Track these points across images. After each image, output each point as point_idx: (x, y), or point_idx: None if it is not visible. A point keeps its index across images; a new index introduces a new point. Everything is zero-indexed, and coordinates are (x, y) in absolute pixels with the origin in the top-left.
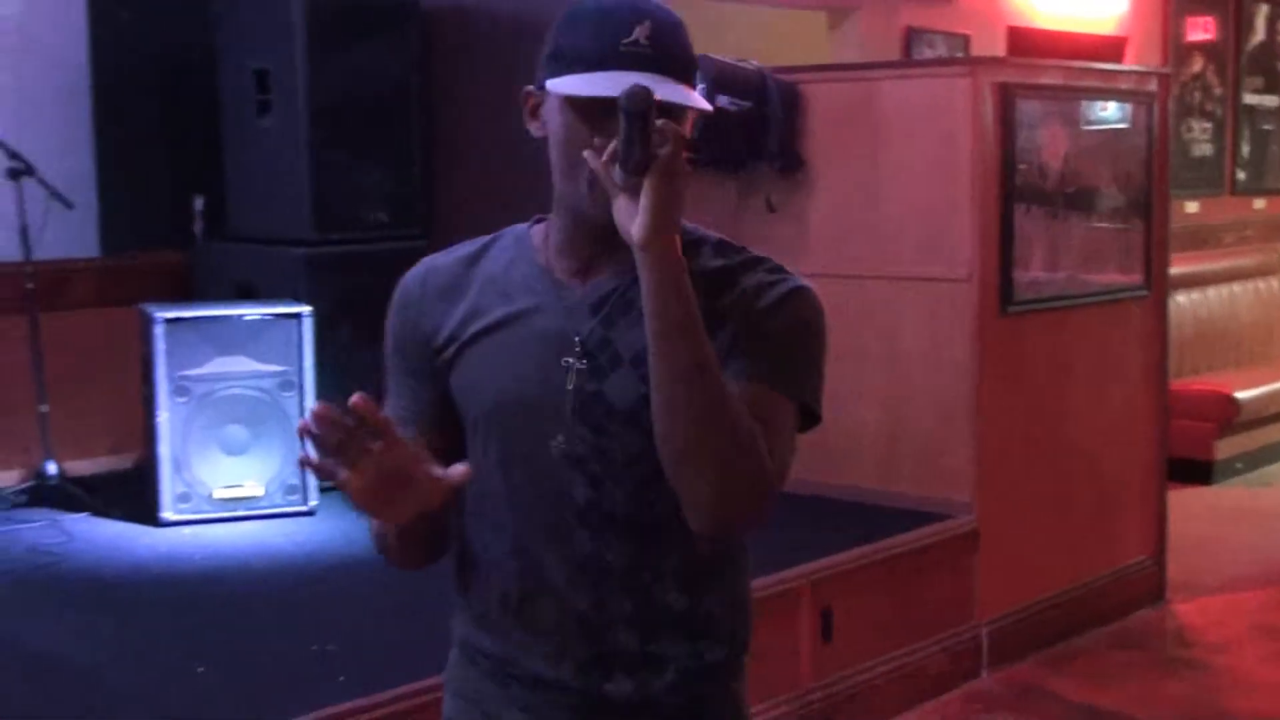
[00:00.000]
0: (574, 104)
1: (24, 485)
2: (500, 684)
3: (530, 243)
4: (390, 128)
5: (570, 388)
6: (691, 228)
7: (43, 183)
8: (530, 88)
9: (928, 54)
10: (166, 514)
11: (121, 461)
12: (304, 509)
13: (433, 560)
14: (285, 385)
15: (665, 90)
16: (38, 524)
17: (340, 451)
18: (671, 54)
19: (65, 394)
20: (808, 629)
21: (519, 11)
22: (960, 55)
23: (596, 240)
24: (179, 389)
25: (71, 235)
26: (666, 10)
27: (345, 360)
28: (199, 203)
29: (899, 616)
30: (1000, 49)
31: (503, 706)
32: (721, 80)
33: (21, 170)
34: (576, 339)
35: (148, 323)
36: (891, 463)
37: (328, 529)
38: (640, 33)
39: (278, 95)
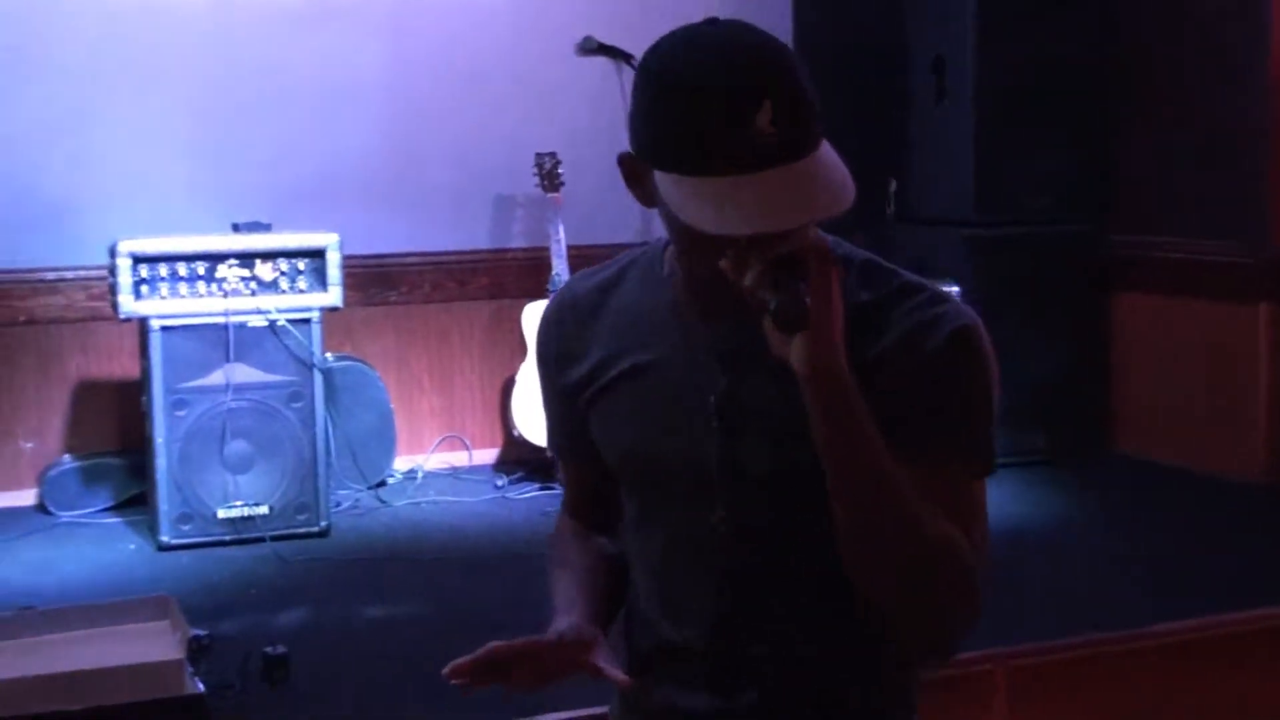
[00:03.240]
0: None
1: None
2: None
3: (662, 270)
4: (1066, 110)
5: (712, 452)
6: (833, 243)
7: None
8: (628, 153)
9: None
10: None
11: None
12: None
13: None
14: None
15: (798, 208)
16: None
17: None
18: (798, 130)
19: None
20: None
21: None
22: None
23: (720, 286)
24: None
25: None
26: (779, 64)
27: (1008, 341)
28: (893, 185)
29: None
30: None
31: None
32: None
33: None
34: (711, 398)
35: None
36: None
37: None
38: (762, 120)
39: (952, 81)
